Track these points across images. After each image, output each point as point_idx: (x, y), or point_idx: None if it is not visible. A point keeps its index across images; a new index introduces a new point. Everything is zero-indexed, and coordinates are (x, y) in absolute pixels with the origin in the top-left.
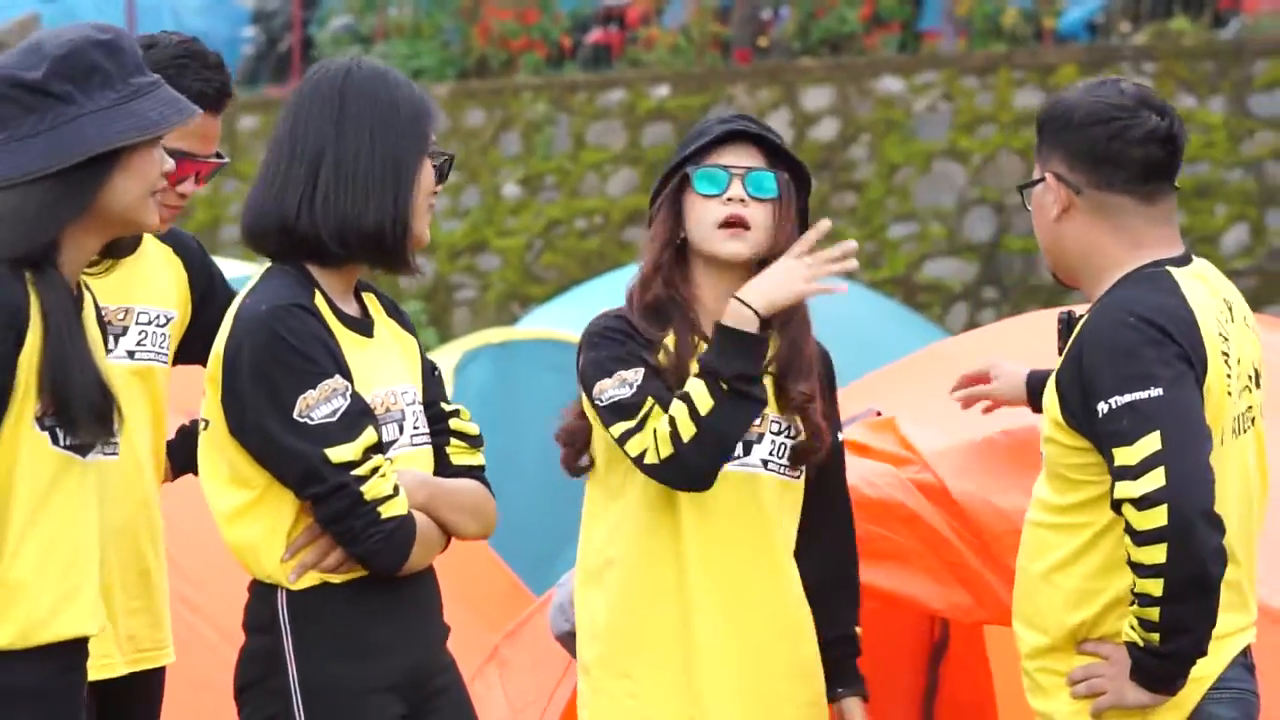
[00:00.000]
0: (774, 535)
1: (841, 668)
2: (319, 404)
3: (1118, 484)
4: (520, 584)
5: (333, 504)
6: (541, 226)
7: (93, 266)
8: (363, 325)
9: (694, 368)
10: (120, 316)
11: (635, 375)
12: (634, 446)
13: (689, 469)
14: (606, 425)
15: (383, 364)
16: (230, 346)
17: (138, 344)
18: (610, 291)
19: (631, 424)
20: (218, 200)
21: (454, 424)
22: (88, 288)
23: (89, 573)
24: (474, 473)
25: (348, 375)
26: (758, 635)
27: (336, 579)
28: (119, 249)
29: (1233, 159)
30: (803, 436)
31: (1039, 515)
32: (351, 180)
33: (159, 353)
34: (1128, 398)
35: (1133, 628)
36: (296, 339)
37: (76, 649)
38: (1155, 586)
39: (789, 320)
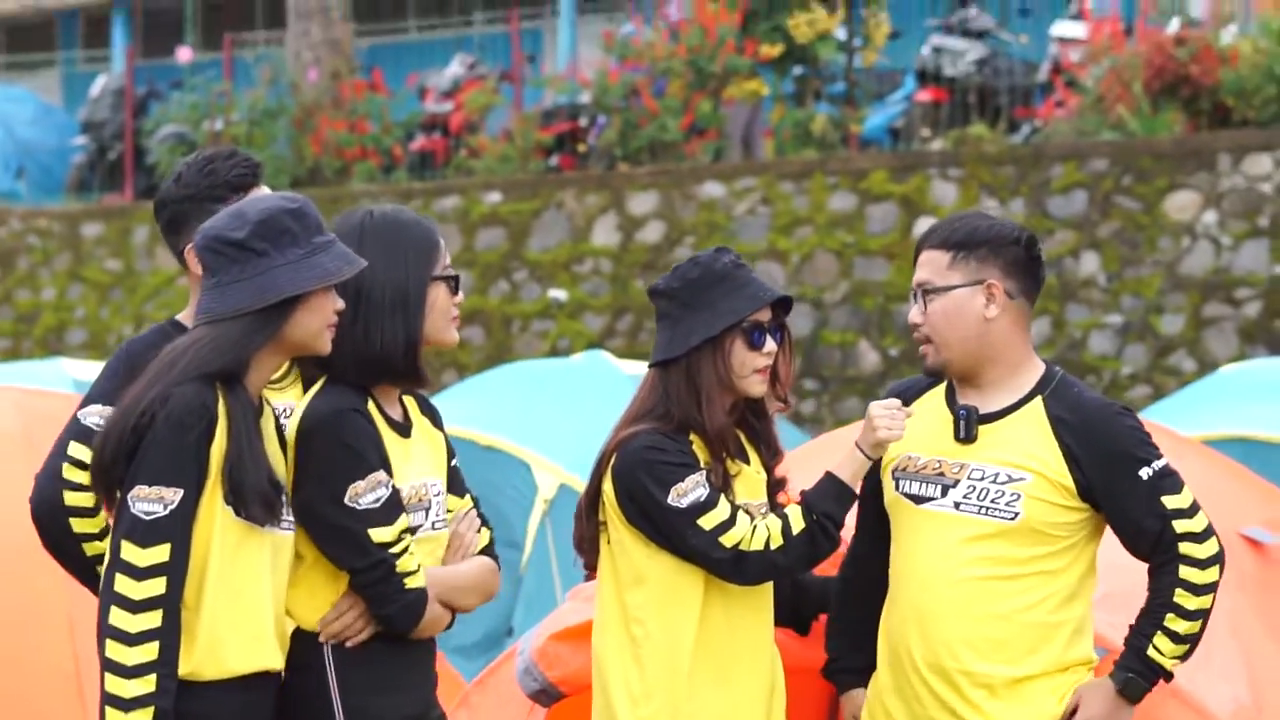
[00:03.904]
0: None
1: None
2: (366, 492)
3: (1175, 521)
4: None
5: (371, 574)
6: None
7: (278, 382)
8: (403, 427)
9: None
10: None
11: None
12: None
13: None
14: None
15: (417, 459)
16: (298, 440)
17: None
18: (478, 392)
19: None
20: (63, 305)
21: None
22: (267, 401)
23: (268, 620)
24: (485, 550)
25: (389, 470)
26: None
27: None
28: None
29: None
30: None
31: (1005, 570)
32: (366, 314)
33: None
34: (1163, 462)
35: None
36: (353, 439)
37: (262, 684)
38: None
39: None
